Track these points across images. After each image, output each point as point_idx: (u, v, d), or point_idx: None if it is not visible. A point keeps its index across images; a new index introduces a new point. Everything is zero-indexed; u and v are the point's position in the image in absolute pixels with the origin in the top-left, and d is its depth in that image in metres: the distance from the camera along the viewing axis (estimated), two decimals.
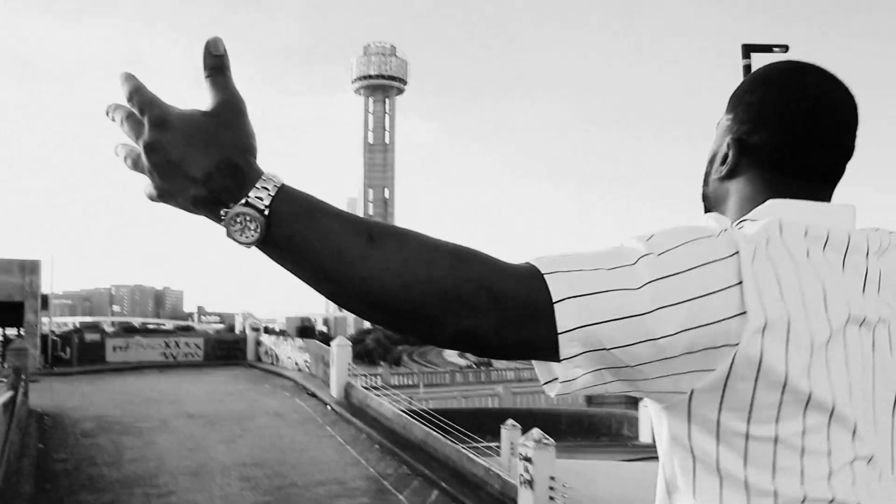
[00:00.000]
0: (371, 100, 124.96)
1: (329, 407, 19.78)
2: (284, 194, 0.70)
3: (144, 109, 0.71)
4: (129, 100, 0.71)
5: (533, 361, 0.79)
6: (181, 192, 0.70)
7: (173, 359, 30.02)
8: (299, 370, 25.03)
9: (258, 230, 0.69)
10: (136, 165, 0.73)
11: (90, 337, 32.34)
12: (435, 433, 15.54)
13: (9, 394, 15.21)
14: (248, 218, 0.68)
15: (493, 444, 15.64)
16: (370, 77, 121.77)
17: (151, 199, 0.73)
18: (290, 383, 23.35)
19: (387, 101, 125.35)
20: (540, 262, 0.73)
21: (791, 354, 0.74)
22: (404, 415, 17.16)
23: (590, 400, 29.49)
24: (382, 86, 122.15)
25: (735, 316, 0.72)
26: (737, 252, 0.74)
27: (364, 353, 64.26)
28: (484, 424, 21.55)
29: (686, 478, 0.81)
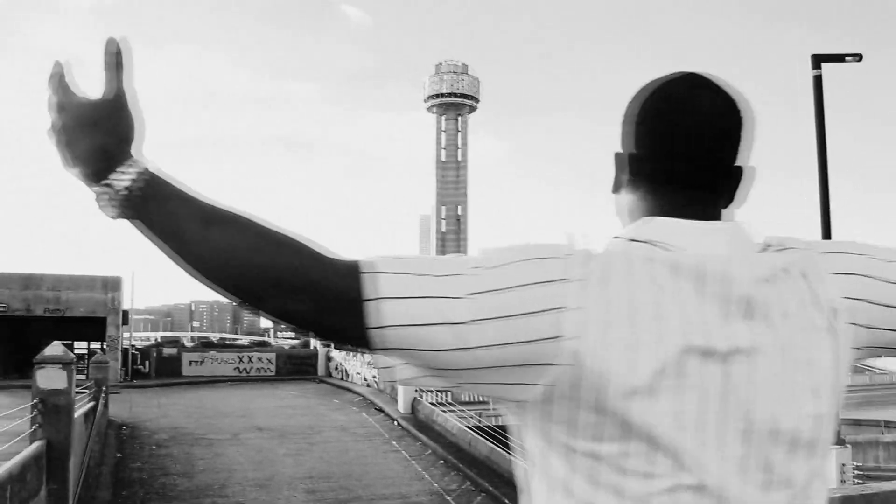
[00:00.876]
0: (443, 118, 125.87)
1: (395, 422, 19.94)
2: (144, 179, 0.79)
3: (52, 95, 0.81)
4: (48, 85, 0.81)
5: None
6: (70, 168, 0.80)
7: (246, 373, 30.76)
8: (368, 385, 25.32)
9: (117, 207, 0.78)
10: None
11: (167, 351, 33.40)
12: (500, 449, 15.49)
13: (90, 404, 15.83)
14: (108, 196, 0.78)
15: None
16: (442, 95, 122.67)
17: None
18: (358, 398, 23.63)
19: (459, 118, 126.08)
20: (365, 262, 0.77)
21: (611, 380, 0.74)
22: (469, 431, 17.17)
23: None
24: (455, 104, 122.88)
25: (555, 338, 0.74)
26: (569, 277, 0.75)
27: None
28: None
29: (527, 478, 0.84)
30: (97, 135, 0.78)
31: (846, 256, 0.87)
